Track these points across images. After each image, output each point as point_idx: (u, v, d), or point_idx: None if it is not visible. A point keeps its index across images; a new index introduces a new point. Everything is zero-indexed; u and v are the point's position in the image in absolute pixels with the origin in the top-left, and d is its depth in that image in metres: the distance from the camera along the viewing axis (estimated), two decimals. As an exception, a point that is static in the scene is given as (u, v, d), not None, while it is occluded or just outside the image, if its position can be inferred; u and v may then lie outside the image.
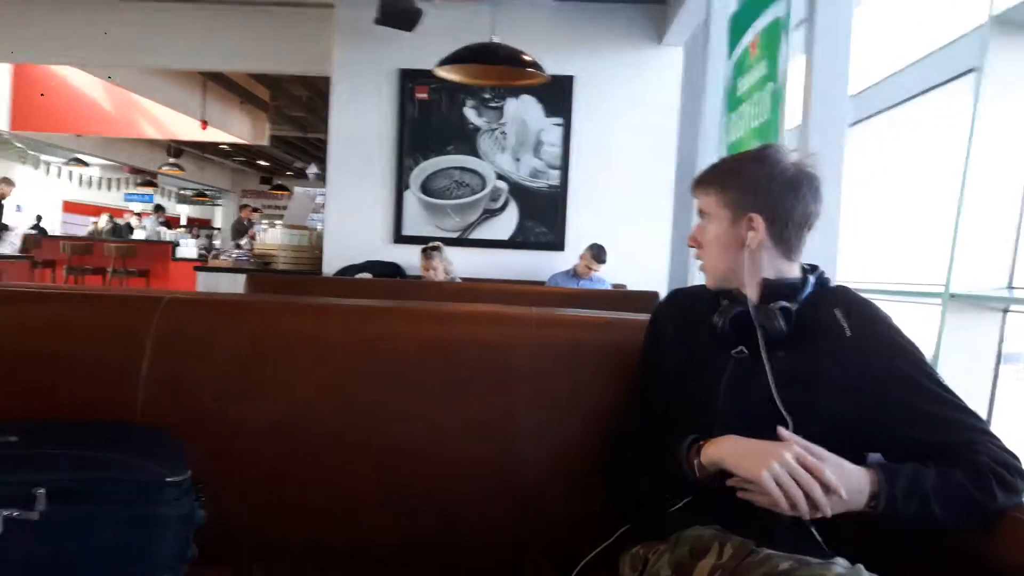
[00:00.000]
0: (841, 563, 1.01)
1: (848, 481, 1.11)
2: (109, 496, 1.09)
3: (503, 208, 5.56)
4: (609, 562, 1.34)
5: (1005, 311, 2.76)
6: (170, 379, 1.49)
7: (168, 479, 1.12)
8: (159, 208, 15.61)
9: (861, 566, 0.99)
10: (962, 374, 2.57)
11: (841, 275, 2.57)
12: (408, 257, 5.33)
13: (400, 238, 5.54)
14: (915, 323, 1.36)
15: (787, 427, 1.19)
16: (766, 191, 1.30)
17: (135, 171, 16.87)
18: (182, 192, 19.29)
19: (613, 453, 1.39)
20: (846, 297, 1.34)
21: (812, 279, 1.34)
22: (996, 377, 2.71)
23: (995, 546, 1.13)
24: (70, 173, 15.63)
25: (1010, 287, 2.76)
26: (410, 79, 5.47)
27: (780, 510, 1.10)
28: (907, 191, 4.13)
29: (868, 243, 4.20)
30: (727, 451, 1.17)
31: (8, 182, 9.66)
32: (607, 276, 5.13)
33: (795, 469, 1.09)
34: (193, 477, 1.22)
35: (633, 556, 1.28)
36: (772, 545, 1.12)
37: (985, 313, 2.75)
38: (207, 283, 6.06)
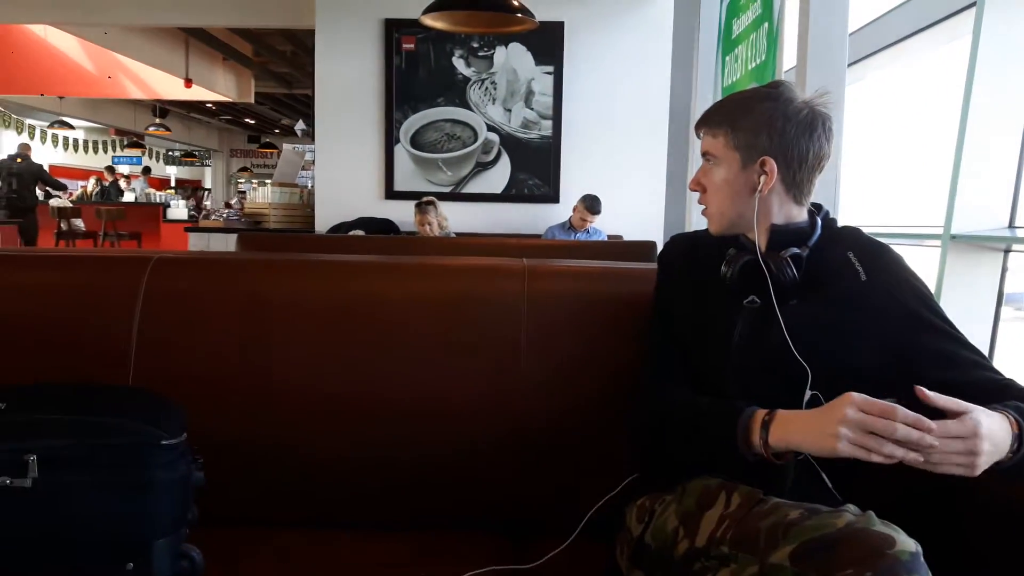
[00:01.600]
0: (852, 510, 0.99)
1: (992, 430, 1.00)
2: (103, 461, 1.07)
3: (495, 161, 5.48)
4: (615, 513, 1.32)
5: (1006, 251, 2.74)
6: (162, 340, 1.47)
7: (164, 442, 1.10)
8: (147, 170, 15.42)
9: (871, 512, 0.97)
10: (963, 314, 2.56)
11: (842, 219, 2.54)
12: (400, 213, 5.27)
13: (392, 194, 5.47)
14: (916, 265, 1.33)
15: (806, 377, 1.15)
16: (781, 132, 1.22)
17: (121, 133, 16.65)
18: (170, 153, 19.07)
19: (647, 409, 1.30)
20: (857, 239, 1.30)
21: (820, 221, 1.30)
22: (997, 317, 2.70)
23: (1017, 498, 1.12)
24: (55, 136, 15.40)
25: (1011, 227, 2.73)
26: (396, 29, 5.34)
27: (892, 461, 0.99)
28: (907, 131, 4.08)
29: (868, 185, 4.16)
30: (796, 434, 1.07)
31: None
32: (604, 227, 5.08)
33: (863, 420, 0.99)
34: (190, 438, 1.20)
35: (639, 507, 1.27)
36: (781, 494, 1.10)
37: (986, 253, 2.72)
38: (198, 244, 6.01)
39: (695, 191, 1.33)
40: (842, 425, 1.00)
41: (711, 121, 1.29)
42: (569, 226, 5.06)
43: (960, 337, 1.21)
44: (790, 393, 1.16)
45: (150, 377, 1.43)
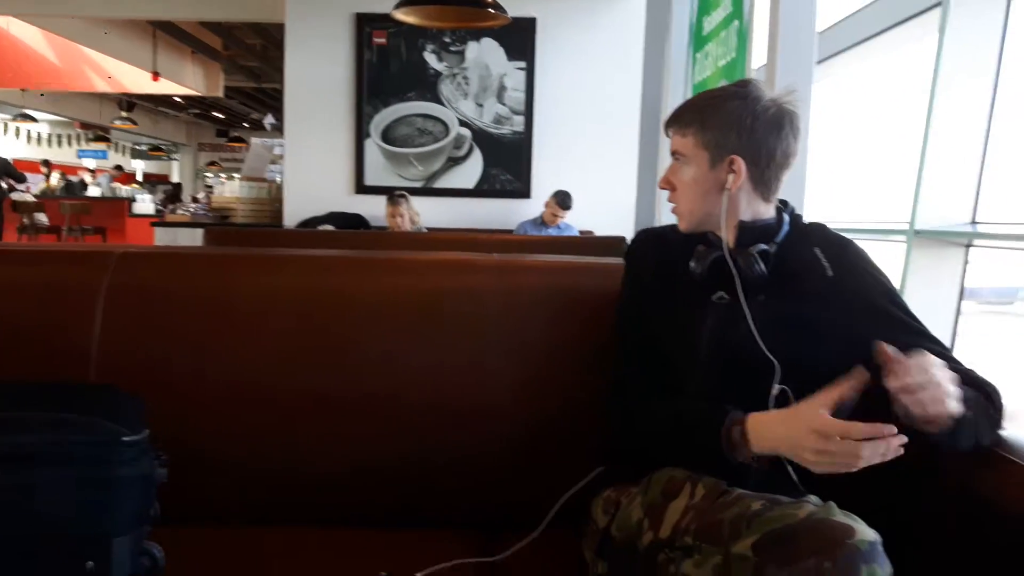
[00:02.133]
0: (813, 500, 1.01)
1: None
2: (62, 459, 1.04)
3: (467, 156, 5.46)
4: (581, 506, 1.33)
5: (968, 246, 2.79)
6: (126, 337, 1.44)
7: (125, 438, 1.07)
8: (118, 168, 15.17)
9: (832, 503, 0.99)
10: (927, 308, 2.60)
11: (809, 215, 2.56)
12: (371, 208, 5.24)
13: (362, 188, 5.43)
14: (882, 260, 1.35)
15: (773, 373, 1.16)
16: (749, 131, 1.23)
17: (86, 126, 16.37)
18: (137, 147, 18.78)
19: (621, 404, 1.31)
20: (823, 235, 1.31)
21: (787, 218, 1.31)
22: (959, 311, 2.75)
23: (975, 482, 1.14)
24: (17, 129, 15.10)
25: (973, 222, 2.78)
26: (367, 23, 5.30)
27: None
28: (873, 129, 4.14)
29: (835, 182, 4.21)
30: (782, 445, 1.08)
31: None
32: (576, 222, 5.09)
33: (827, 450, 1.01)
34: (154, 435, 1.18)
35: (605, 499, 1.28)
36: (745, 485, 1.12)
37: (949, 248, 2.77)
38: (164, 239, 5.93)
39: (664, 189, 1.34)
40: (809, 453, 1.03)
41: (680, 120, 1.29)
42: (541, 222, 5.07)
43: (924, 330, 1.23)
44: (758, 387, 1.17)
45: (113, 374, 1.41)
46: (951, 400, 1.02)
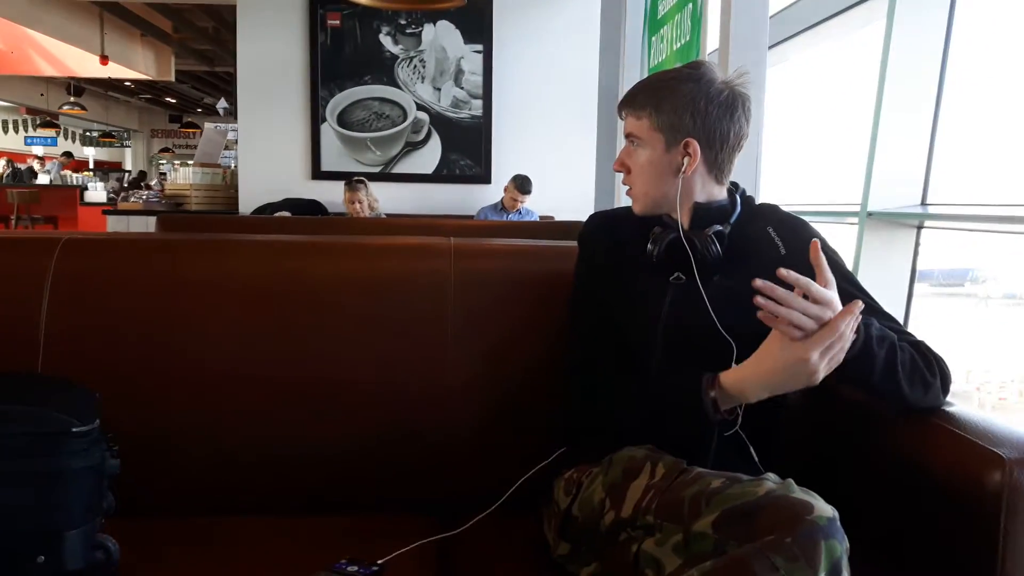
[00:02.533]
0: (772, 478, 1.02)
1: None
2: (11, 450, 1.02)
3: (425, 140, 5.43)
4: (543, 487, 1.33)
5: (919, 227, 2.85)
6: (73, 325, 1.41)
7: (74, 429, 1.05)
8: (68, 155, 14.74)
9: (791, 480, 1.00)
10: (880, 289, 2.65)
11: (763, 197, 2.60)
12: (328, 194, 5.18)
13: (319, 174, 5.37)
14: (835, 241, 1.37)
15: (731, 352, 1.18)
16: (704, 114, 1.25)
17: (32, 112, 15.90)
18: (87, 134, 18.30)
19: (580, 384, 1.32)
20: (776, 215, 1.34)
21: (739, 199, 1.33)
22: (911, 292, 2.81)
23: (921, 456, 1.16)
24: (-41, 115, 14.62)
25: (923, 204, 2.84)
26: (320, 5, 5.22)
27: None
28: (825, 112, 4.19)
29: (789, 165, 4.26)
30: (762, 386, 1.12)
31: None
32: (536, 207, 5.09)
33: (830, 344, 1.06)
34: (106, 426, 1.15)
35: (567, 480, 1.28)
36: (704, 464, 1.13)
37: (900, 230, 2.83)
38: (117, 227, 5.80)
39: (619, 172, 1.34)
40: (815, 373, 1.07)
41: (634, 103, 1.29)
42: (501, 207, 5.06)
43: (876, 306, 1.26)
44: (716, 366, 1.18)
45: (61, 364, 1.37)
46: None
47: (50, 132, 16.30)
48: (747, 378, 1.13)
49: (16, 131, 16.55)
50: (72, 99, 13.68)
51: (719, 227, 1.27)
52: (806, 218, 1.38)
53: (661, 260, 1.27)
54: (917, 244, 2.86)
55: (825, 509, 0.94)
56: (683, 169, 1.26)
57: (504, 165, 5.36)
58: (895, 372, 1.15)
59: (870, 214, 2.80)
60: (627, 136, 1.32)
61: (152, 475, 1.37)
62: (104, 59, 9.97)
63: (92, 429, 1.08)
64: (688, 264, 1.25)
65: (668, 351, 1.25)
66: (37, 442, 1.04)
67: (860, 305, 1.07)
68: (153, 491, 1.38)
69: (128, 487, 1.18)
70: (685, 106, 1.25)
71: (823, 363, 1.07)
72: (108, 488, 1.14)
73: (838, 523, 0.94)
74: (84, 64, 10.77)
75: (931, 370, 1.19)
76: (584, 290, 1.38)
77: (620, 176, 1.36)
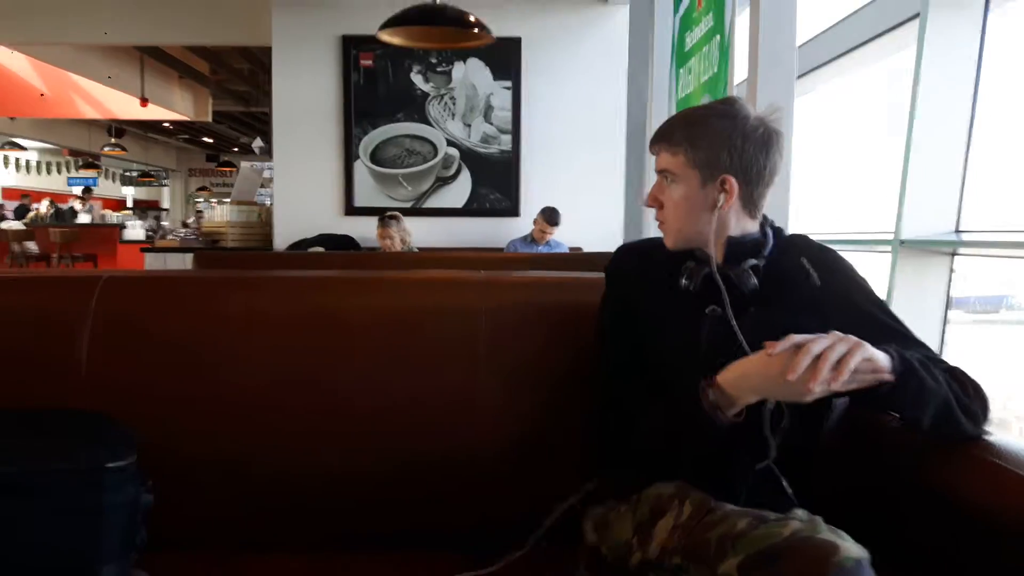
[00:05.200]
0: (800, 516, 1.01)
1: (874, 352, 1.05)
2: (47, 487, 1.04)
3: (456, 175, 5.48)
4: (573, 523, 1.32)
5: (953, 255, 2.81)
6: (112, 362, 1.44)
7: (109, 464, 1.07)
8: (87, 190, 15.03)
9: (819, 518, 0.99)
10: (914, 317, 2.61)
11: (794, 228, 2.58)
12: (361, 229, 5.24)
13: (351, 210, 5.44)
14: (868, 271, 1.36)
15: None
16: (740, 151, 1.24)
17: (75, 153, 16.34)
18: (127, 174, 18.75)
19: (611, 421, 1.30)
20: (808, 246, 1.33)
21: (770, 231, 1.32)
22: (945, 319, 2.76)
23: (960, 487, 1.14)
24: (5, 158, 15.06)
25: (957, 231, 2.80)
26: (353, 45, 5.33)
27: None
28: (856, 141, 4.17)
29: (820, 194, 4.24)
30: (751, 389, 1.11)
31: None
32: (565, 239, 5.11)
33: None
34: (141, 461, 1.17)
35: (595, 517, 1.27)
36: (737, 497, 1.12)
37: (934, 257, 2.79)
38: (155, 264, 5.92)
39: (652, 207, 1.33)
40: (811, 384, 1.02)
41: (669, 139, 1.29)
42: (531, 239, 5.08)
43: (910, 334, 1.24)
44: (753, 403, 1.17)
45: (100, 400, 1.39)
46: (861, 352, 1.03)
47: (91, 173, 16.72)
48: (742, 375, 1.12)
49: (59, 172, 17.01)
50: (113, 140, 14.06)
51: (754, 261, 1.27)
52: (838, 247, 1.37)
53: (698, 293, 1.26)
54: (951, 271, 2.81)
55: (852, 550, 0.92)
56: (720, 205, 1.26)
57: (533, 198, 5.39)
58: (943, 398, 1.12)
59: (903, 242, 2.77)
60: (660, 172, 1.31)
61: (185, 509, 1.38)
62: (144, 101, 10.25)
63: (128, 465, 1.10)
64: (719, 299, 1.24)
65: None
66: (74, 478, 1.06)
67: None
68: (185, 525, 1.39)
69: (160, 521, 1.19)
70: (722, 143, 1.24)
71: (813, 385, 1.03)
72: (142, 523, 1.16)
73: (866, 564, 0.92)
74: (125, 106, 11.08)
75: (969, 396, 1.17)
76: (614, 324, 1.36)
77: (649, 209, 1.36)
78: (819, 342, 1.03)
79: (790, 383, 1.03)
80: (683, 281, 1.27)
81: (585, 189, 5.44)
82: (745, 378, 1.11)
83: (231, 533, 1.44)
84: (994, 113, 2.80)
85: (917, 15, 2.85)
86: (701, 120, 1.28)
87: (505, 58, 5.35)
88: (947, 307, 2.80)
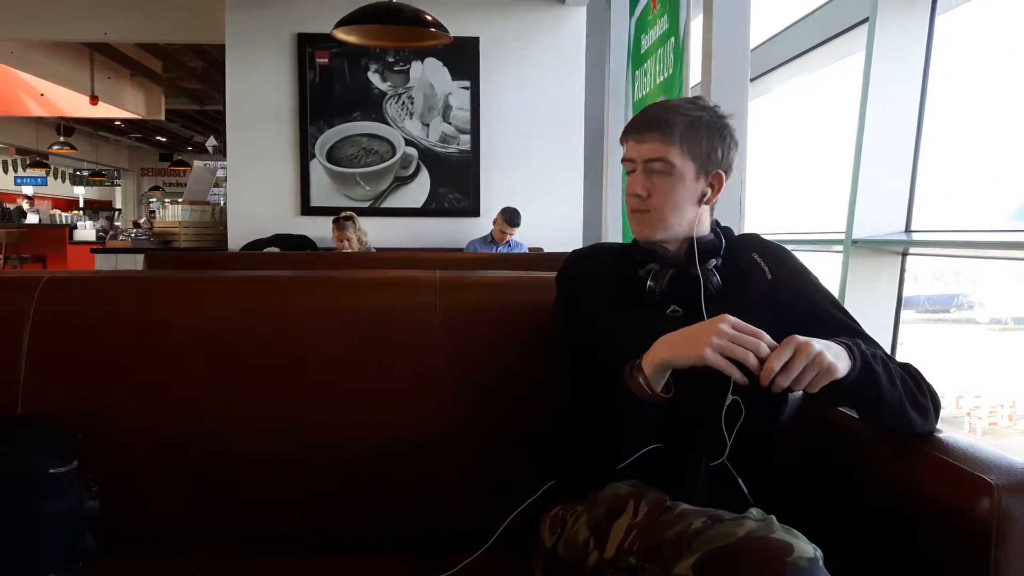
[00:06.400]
0: (755, 515, 1.01)
1: (829, 347, 1.09)
2: (-16, 494, 1.00)
3: (414, 175, 5.45)
4: (531, 524, 1.31)
5: (904, 254, 2.86)
6: (54, 366, 1.39)
7: (52, 471, 1.04)
8: (30, 199, 14.63)
9: (773, 518, 0.99)
10: (866, 315, 2.66)
11: (747, 227, 2.62)
12: (318, 229, 5.19)
13: (308, 210, 5.37)
14: (820, 270, 1.39)
15: (728, 381, 1.15)
16: (727, 149, 1.29)
17: (22, 152, 15.90)
18: (77, 173, 18.30)
19: (565, 423, 1.29)
20: (759, 243, 1.36)
21: (720, 231, 1.35)
22: (898, 318, 2.82)
23: (910, 484, 1.15)
24: (-52, 157, 14.61)
25: (907, 231, 2.86)
26: (309, 44, 5.27)
27: (735, 377, 1.08)
28: (808, 142, 4.23)
29: (773, 195, 4.30)
30: (665, 350, 1.13)
31: None
32: (525, 239, 5.10)
33: (734, 335, 1.08)
34: (85, 467, 1.14)
35: (552, 518, 1.27)
36: (694, 496, 1.12)
37: (885, 257, 2.84)
38: (105, 265, 5.78)
39: (639, 195, 1.29)
40: (715, 335, 1.07)
41: (665, 128, 1.27)
42: (490, 239, 5.07)
43: (859, 329, 1.27)
44: (713, 396, 1.18)
45: (41, 404, 1.36)
46: (826, 358, 1.07)
47: (40, 172, 16.29)
48: (655, 345, 1.15)
49: (6, 171, 16.55)
50: (62, 139, 13.71)
51: (716, 260, 1.29)
52: (791, 247, 1.40)
53: (662, 295, 1.27)
54: (903, 271, 2.87)
55: (806, 550, 0.93)
56: (707, 198, 1.29)
57: (493, 198, 5.38)
58: (897, 391, 1.15)
59: (855, 242, 2.82)
60: (648, 161, 1.28)
61: (132, 515, 1.35)
62: (94, 99, 10.02)
63: (69, 471, 1.07)
64: (684, 297, 1.25)
65: (673, 381, 1.23)
66: (12, 486, 1.02)
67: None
68: (133, 530, 1.36)
69: (107, 527, 1.16)
70: (715, 139, 1.27)
71: (720, 343, 1.07)
72: (87, 529, 1.12)
73: (820, 563, 0.93)
74: (74, 104, 10.81)
75: (923, 392, 1.19)
76: (567, 329, 1.35)
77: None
78: (786, 350, 1.06)
79: (691, 340, 1.09)
80: (648, 283, 1.27)
81: (545, 189, 5.44)
82: (656, 346, 1.14)
83: (180, 537, 1.41)
84: (942, 114, 2.86)
85: (867, 19, 2.90)
86: (694, 113, 1.29)
87: (463, 58, 5.33)
88: (899, 306, 2.85)
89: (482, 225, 5.33)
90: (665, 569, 1.00)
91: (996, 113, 3.04)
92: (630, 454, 1.20)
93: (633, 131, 1.30)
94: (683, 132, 1.26)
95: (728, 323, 1.09)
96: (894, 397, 1.14)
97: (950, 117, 2.95)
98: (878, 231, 2.83)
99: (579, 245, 4.89)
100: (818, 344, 1.07)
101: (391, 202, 5.45)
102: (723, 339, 1.07)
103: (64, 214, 13.37)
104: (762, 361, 1.07)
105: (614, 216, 4.47)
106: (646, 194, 1.28)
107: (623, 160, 1.33)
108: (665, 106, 1.32)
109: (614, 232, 4.44)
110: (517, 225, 4.96)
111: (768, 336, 1.08)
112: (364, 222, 4.86)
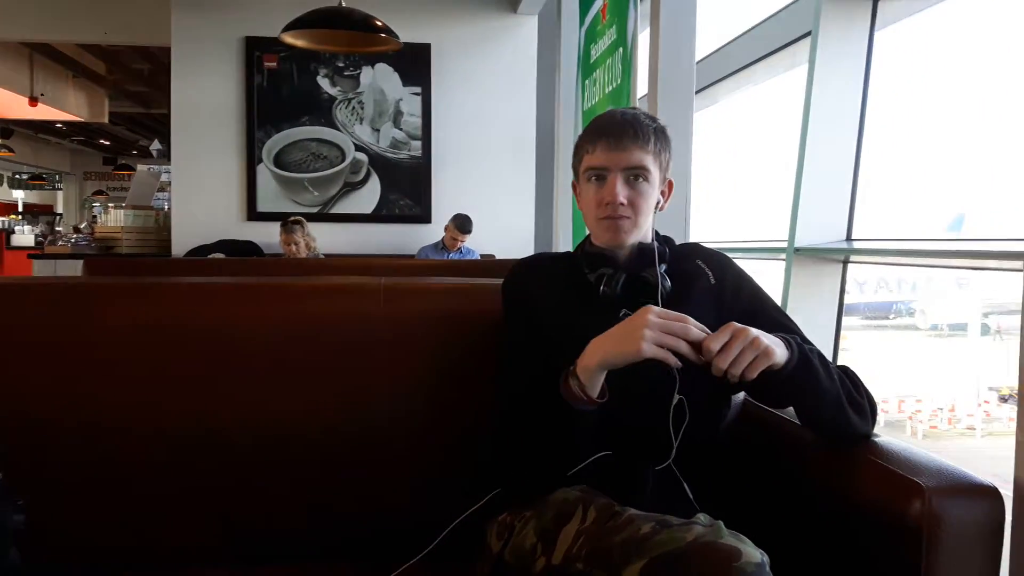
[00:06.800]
0: (703, 521, 1.02)
1: (766, 335, 1.11)
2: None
3: (364, 181, 5.40)
4: (476, 532, 1.31)
5: (845, 262, 2.93)
6: (-19, 374, 1.34)
7: (-28, 485, 0.99)
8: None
9: (721, 523, 1.00)
10: (809, 322, 2.71)
11: (692, 236, 2.65)
12: (265, 235, 5.11)
13: (255, 215, 5.28)
14: (764, 277, 1.42)
15: (672, 383, 1.18)
16: (671, 157, 1.36)
17: (-43, 154, 15.37)
18: (16, 176, 17.74)
19: (511, 441, 1.28)
20: (701, 250, 1.41)
21: (661, 238, 1.39)
22: (839, 324, 2.88)
23: (849, 488, 1.17)
24: None
25: (848, 239, 2.93)
26: (256, 47, 5.19)
27: (671, 363, 1.09)
28: (752, 153, 4.31)
29: (717, 204, 4.36)
30: (600, 352, 1.13)
31: None
32: (477, 246, 5.09)
33: (663, 324, 1.09)
34: (11, 478, 1.09)
35: (500, 524, 1.26)
36: (642, 502, 1.12)
37: (827, 265, 2.90)
38: (44, 271, 5.62)
39: (620, 202, 1.30)
40: (646, 328, 1.08)
41: (643, 137, 1.30)
42: (442, 246, 5.05)
43: (797, 330, 1.29)
44: (658, 399, 1.19)
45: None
46: (762, 343, 1.09)
47: (-24, 175, 15.77)
48: (589, 347, 1.15)
49: (-61, 174, 15.99)
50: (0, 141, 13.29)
51: (663, 265, 1.32)
52: (735, 255, 1.44)
53: (617, 299, 1.28)
54: (844, 278, 2.94)
55: (753, 555, 0.94)
56: (660, 205, 1.36)
57: (444, 205, 5.36)
58: (835, 386, 1.17)
59: (797, 250, 2.87)
60: (634, 168, 1.30)
61: (62, 528, 1.31)
62: (34, 101, 9.73)
63: (-8, 484, 1.02)
64: (637, 301, 1.25)
65: (618, 387, 1.23)
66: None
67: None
68: (63, 544, 1.31)
69: (35, 541, 1.11)
70: (670, 148, 1.35)
71: (652, 334, 1.08)
72: (12, 544, 1.08)
73: (767, 568, 0.94)
74: (12, 106, 10.48)
75: (860, 393, 1.22)
76: (515, 336, 1.36)
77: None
78: (723, 334, 1.09)
79: (624, 338, 1.10)
80: (602, 288, 1.28)
81: (497, 196, 5.44)
82: (589, 350, 1.15)
83: (112, 551, 1.37)
84: (882, 127, 2.94)
85: (809, 33, 2.97)
86: (656, 124, 1.35)
87: (415, 64, 5.30)
88: (840, 313, 2.92)
89: (433, 232, 5.31)
90: (613, 574, 1.00)
91: (934, 126, 3.14)
92: (578, 461, 1.20)
93: (608, 138, 1.31)
94: (655, 141, 1.32)
95: (654, 313, 1.10)
96: (832, 392, 1.16)
97: (890, 129, 3.03)
98: (820, 239, 2.89)
99: (531, 251, 4.91)
100: (755, 330, 1.09)
101: (341, 208, 5.39)
102: (654, 330, 1.08)
103: (1, 218, 12.93)
104: (695, 346, 1.08)
105: (564, 223, 4.49)
106: (627, 201, 1.30)
107: (590, 167, 1.33)
108: (630, 115, 1.35)
109: (564, 239, 4.46)
110: (468, 232, 4.94)
111: (693, 319, 1.10)
112: (313, 228, 4.80)
